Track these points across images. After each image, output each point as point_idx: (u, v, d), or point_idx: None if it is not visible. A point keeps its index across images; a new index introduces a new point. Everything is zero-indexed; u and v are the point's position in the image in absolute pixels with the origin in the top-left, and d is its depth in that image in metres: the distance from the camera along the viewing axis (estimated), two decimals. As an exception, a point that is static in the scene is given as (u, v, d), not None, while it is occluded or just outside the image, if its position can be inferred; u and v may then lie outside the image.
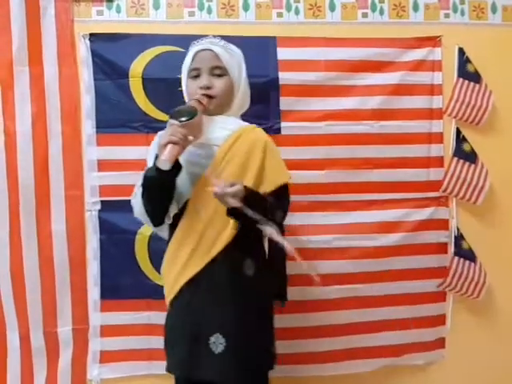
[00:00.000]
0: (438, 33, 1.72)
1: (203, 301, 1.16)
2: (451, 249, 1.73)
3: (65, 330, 1.65)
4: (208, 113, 1.22)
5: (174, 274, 1.20)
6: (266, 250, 1.31)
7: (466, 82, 1.73)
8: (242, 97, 1.31)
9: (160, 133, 1.26)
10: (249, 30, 1.66)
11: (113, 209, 1.63)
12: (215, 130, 1.22)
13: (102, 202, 1.65)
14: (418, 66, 1.72)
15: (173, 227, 1.22)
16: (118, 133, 1.64)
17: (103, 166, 1.65)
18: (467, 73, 1.73)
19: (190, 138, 1.12)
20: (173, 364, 1.21)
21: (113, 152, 1.65)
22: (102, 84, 1.64)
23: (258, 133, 1.27)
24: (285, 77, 1.66)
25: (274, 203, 1.19)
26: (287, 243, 1.08)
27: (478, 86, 1.73)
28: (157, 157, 1.11)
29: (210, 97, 1.22)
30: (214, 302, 1.16)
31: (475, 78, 1.73)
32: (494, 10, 1.76)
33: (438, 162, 1.74)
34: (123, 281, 1.65)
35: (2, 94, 1.60)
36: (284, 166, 1.26)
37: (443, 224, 1.75)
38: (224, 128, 1.23)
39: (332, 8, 1.71)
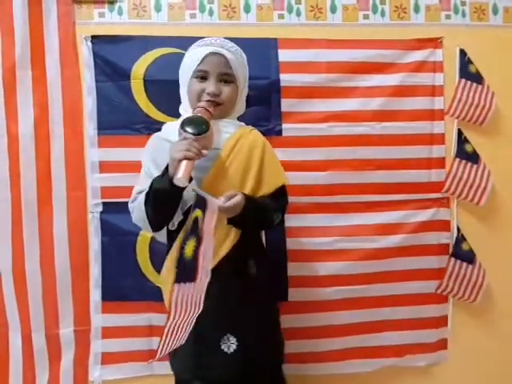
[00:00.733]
0: (439, 34, 1.72)
1: (211, 303, 1.14)
2: (450, 250, 1.73)
3: (67, 331, 1.65)
4: (212, 119, 1.21)
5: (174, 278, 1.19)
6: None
7: (469, 82, 1.73)
8: (242, 102, 1.32)
9: (154, 136, 1.26)
10: (250, 31, 1.67)
11: (115, 210, 1.63)
12: (216, 133, 1.22)
13: (103, 203, 1.65)
14: (420, 67, 1.72)
15: (173, 232, 1.21)
16: (120, 134, 1.65)
17: (105, 167, 1.65)
18: (469, 74, 1.73)
19: (204, 152, 1.10)
20: (181, 365, 1.21)
21: (114, 153, 1.65)
22: (104, 86, 1.64)
23: (255, 135, 1.28)
24: (286, 78, 1.66)
25: (272, 205, 1.20)
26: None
27: (480, 86, 1.73)
28: (167, 168, 1.10)
29: (216, 104, 1.22)
30: (222, 304, 1.16)
31: (477, 78, 1.73)
32: (495, 11, 1.76)
33: (440, 163, 1.74)
34: (124, 283, 1.65)
35: (5, 96, 1.60)
36: (281, 168, 1.27)
37: (445, 225, 1.75)
38: (224, 132, 1.24)
39: (333, 10, 1.72)
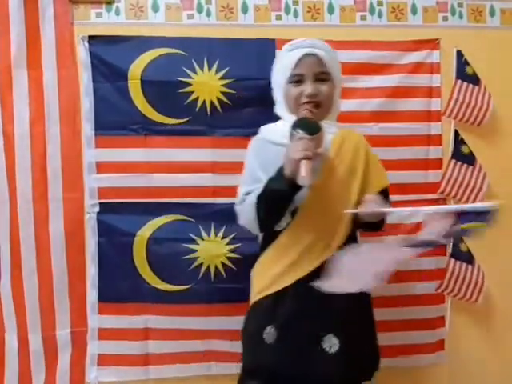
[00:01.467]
0: (436, 35, 1.73)
1: (313, 303, 1.16)
2: (449, 251, 1.74)
3: (63, 332, 1.65)
4: None
5: (275, 272, 1.20)
6: None
7: (465, 83, 1.73)
8: (339, 99, 1.32)
9: (256, 138, 1.30)
10: (247, 32, 1.67)
11: (112, 211, 1.64)
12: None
13: (100, 204, 1.65)
14: (417, 68, 1.72)
15: (274, 232, 1.23)
16: (117, 135, 1.64)
17: (102, 168, 1.65)
18: (466, 75, 1.73)
19: (319, 150, 1.11)
20: (269, 362, 1.18)
21: (112, 154, 1.65)
22: (101, 86, 1.64)
23: (357, 135, 1.29)
24: (284, 79, 1.66)
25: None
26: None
27: (477, 87, 1.74)
28: (280, 170, 1.12)
29: (316, 105, 1.22)
30: (325, 305, 1.15)
31: (474, 80, 1.73)
32: (492, 13, 1.77)
33: (437, 164, 1.74)
34: (121, 284, 1.65)
35: (1, 96, 1.60)
36: (383, 169, 1.28)
37: (442, 226, 1.75)
38: (327, 132, 1.22)
39: (330, 11, 1.72)
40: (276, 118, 1.64)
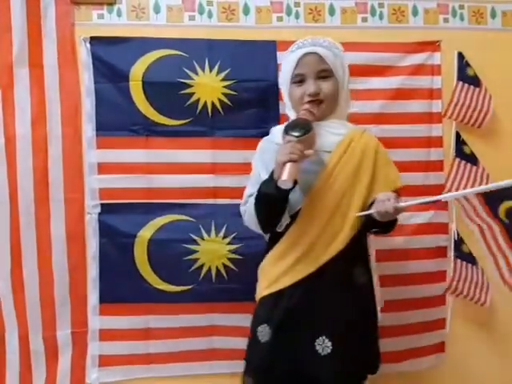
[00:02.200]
0: (437, 37, 1.73)
1: (310, 304, 1.16)
2: (451, 252, 1.73)
3: (64, 333, 1.65)
4: (317, 119, 1.21)
5: (276, 273, 1.21)
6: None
7: (466, 85, 1.73)
8: (346, 97, 1.29)
9: (265, 139, 1.30)
10: (249, 33, 1.67)
11: (113, 212, 1.64)
12: (325, 135, 1.21)
13: (101, 205, 1.65)
14: (418, 70, 1.72)
15: (278, 232, 1.23)
16: (118, 136, 1.64)
17: (103, 168, 1.65)
18: (467, 76, 1.73)
19: (308, 152, 1.11)
20: (265, 360, 1.19)
21: (113, 155, 1.65)
22: (103, 87, 1.64)
23: (368, 137, 1.26)
24: (285, 80, 1.66)
25: None
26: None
27: (478, 89, 1.74)
28: (272, 172, 1.12)
29: (318, 102, 1.22)
30: (322, 306, 1.16)
31: (475, 81, 1.73)
32: (493, 15, 1.77)
33: (438, 165, 1.74)
34: (122, 285, 1.65)
35: (2, 96, 1.60)
36: (395, 171, 1.26)
37: (443, 227, 1.75)
38: (333, 133, 1.22)
39: (332, 12, 1.72)
40: (277, 119, 1.66)
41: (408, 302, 1.72)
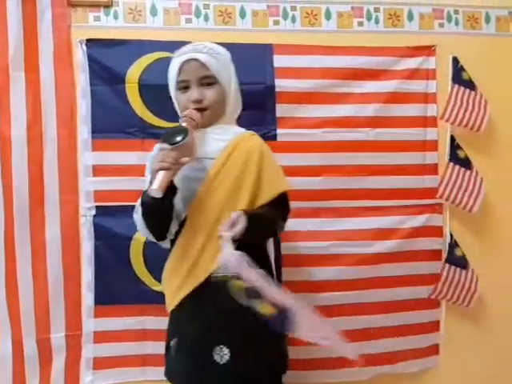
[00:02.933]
0: (432, 42, 1.74)
1: (206, 314, 1.15)
2: (444, 255, 1.74)
3: (58, 336, 1.64)
4: (202, 126, 1.19)
5: (174, 287, 1.19)
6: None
7: (462, 88, 1.74)
8: (234, 102, 1.27)
9: (156, 146, 1.22)
10: (245, 37, 1.67)
11: (108, 214, 1.63)
12: (210, 142, 1.20)
13: (96, 207, 1.64)
14: (413, 74, 1.73)
15: (174, 239, 1.21)
16: (114, 138, 1.64)
17: (98, 171, 1.64)
18: (462, 81, 1.75)
19: (184, 159, 1.09)
20: (173, 374, 1.20)
21: (108, 157, 1.64)
22: (99, 89, 1.64)
23: (254, 141, 1.24)
24: (281, 84, 1.67)
25: (274, 215, 1.18)
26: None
27: (473, 92, 1.75)
28: (151, 182, 1.09)
29: (202, 110, 1.20)
30: (217, 315, 1.14)
31: (470, 86, 1.75)
32: (487, 20, 1.79)
33: (433, 169, 1.76)
34: (117, 286, 1.64)
35: (-2, 98, 1.60)
36: (281, 174, 1.24)
37: (437, 231, 1.76)
38: (218, 139, 1.21)
39: (328, 16, 1.73)
40: (274, 122, 1.67)
41: (402, 304, 1.73)
